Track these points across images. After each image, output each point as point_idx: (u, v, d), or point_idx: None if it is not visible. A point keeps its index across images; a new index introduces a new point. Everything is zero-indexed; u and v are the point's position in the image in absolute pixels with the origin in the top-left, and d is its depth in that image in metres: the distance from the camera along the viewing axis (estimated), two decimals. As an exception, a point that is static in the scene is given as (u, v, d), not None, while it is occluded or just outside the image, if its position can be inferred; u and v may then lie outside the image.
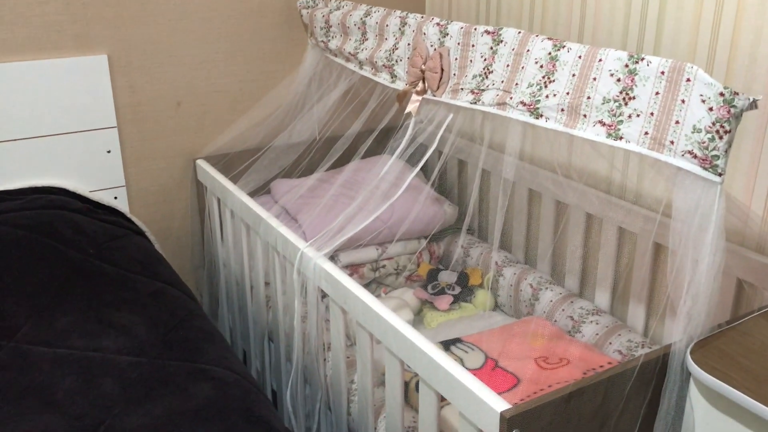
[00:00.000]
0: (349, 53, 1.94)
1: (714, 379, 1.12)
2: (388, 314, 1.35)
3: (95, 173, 2.09)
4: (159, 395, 1.33)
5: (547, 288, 2.02)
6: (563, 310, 1.95)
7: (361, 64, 1.92)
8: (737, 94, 1.08)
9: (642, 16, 1.74)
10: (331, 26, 2.04)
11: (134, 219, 2.12)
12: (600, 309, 1.93)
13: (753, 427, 1.10)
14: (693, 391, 1.19)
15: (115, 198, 2.14)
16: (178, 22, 2.10)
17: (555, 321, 1.95)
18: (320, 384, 1.72)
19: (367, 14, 1.87)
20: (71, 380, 1.37)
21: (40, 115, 1.97)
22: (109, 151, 2.09)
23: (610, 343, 1.80)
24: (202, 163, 2.19)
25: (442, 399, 1.36)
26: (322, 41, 2.09)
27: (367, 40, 1.88)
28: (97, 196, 2.08)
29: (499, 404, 1.09)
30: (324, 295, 1.63)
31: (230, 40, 2.19)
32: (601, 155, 1.90)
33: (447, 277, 2.21)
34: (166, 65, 2.12)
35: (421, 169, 2.07)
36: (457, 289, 2.15)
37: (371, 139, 1.92)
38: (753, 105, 1.09)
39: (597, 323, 1.87)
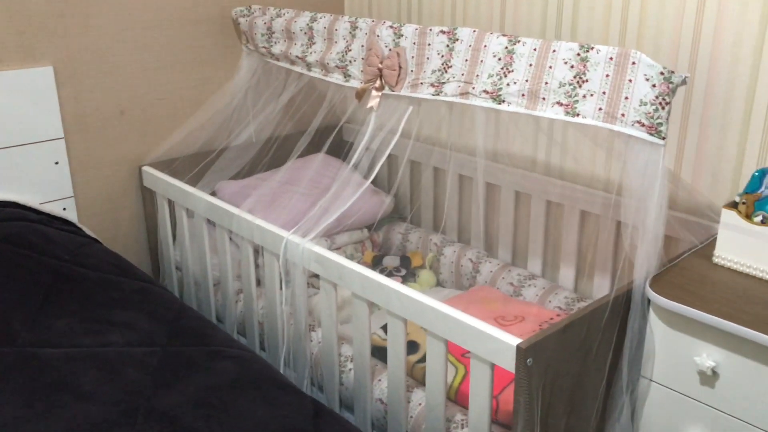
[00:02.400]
0: (296, 57, 2.08)
1: (670, 301, 1.38)
2: (387, 280, 1.52)
3: (44, 185, 2.09)
4: (186, 375, 1.42)
5: (485, 261, 2.26)
6: (503, 278, 2.20)
7: (309, 66, 2.06)
8: (673, 72, 1.35)
9: (558, 9, 2.02)
10: (273, 32, 2.17)
11: (84, 228, 2.14)
12: (534, 274, 2.20)
13: (700, 336, 1.38)
14: (652, 316, 1.45)
15: (64, 209, 2.15)
16: (121, 33, 2.15)
17: (498, 288, 2.19)
18: (306, 362, 1.85)
19: (314, 20, 2.03)
20: (93, 373, 1.42)
21: (-15, 129, 1.95)
22: (56, 163, 2.10)
23: (550, 301, 2.07)
24: (149, 170, 2.24)
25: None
26: (264, 47, 2.22)
27: (314, 44, 2.03)
28: (47, 208, 2.08)
29: (513, 340, 1.29)
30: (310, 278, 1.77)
31: (169, 49, 2.26)
32: (542, 132, 2.16)
33: (391, 261, 2.40)
34: (109, 75, 2.15)
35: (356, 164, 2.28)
36: (403, 271, 2.34)
37: (330, 140, 2.09)
38: (684, 81, 1.37)
39: (535, 286, 2.13)
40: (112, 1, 2.11)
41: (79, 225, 2.13)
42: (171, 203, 2.23)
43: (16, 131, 2.00)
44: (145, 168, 2.26)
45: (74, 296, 1.67)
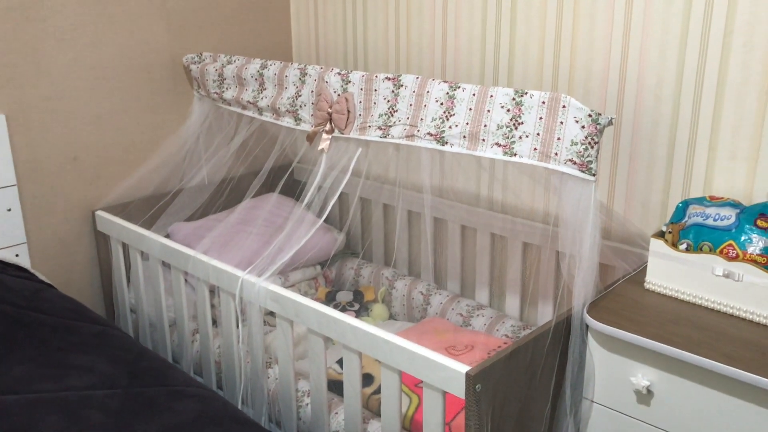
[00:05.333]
0: (248, 102, 2.16)
1: (606, 326, 1.49)
2: (342, 316, 1.59)
3: (-4, 232, 2.10)
4: (148, 416, 1.45)
5: (435, 293, 2.35)
6: (453, 309, 2.29)
7: (260, 110, 2.14)
8: (600, 114, 1.47)
9: (495, 56, 2.15)
10: (225, 78, 2.24)
11: (38, 274, 2.15)
12: (482, 304, 2.29)
13: (635, 357, 1.48)
14: (590, 340, 1.55)
15: (17, 255, 2.16)
16: (72, 81, 2.19)
17: (448, 319, 2.28)
18: (264, 399, 1.89)
19: (264, 66, 2.11)
20: (54, 419, 1.44)
21: (-63, 179, 1.97)
22: (9, 209, 2.11)
23: (497, 330, 2.16)
24: (102, 214, 2.27)
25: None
26: (216, 92, 2.29)
27: (265, 89, 2.11)
28: (0, 255, 2.09)
29: (462, 367, 1.37)
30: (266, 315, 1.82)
31: (121, 96, 2.31)
32: (484, 171, 2.27)
33: (344, 296, 2.46)
34: (61, 122, 2.19)
35: (296, 197, 2.38)
36: (356, 306, 2.41)
37: (283, 180, 2.15)
38: (610, 122, 1.49)
39: (483, 316, 2.22)
40: (64, 50, 2.16)
41: (33, 271, 2.14)
42: (125, 246, 2.25)
43: (-32, 180, 2.02)
44: (99, 212, 2.28)
45: (32, 342, 1.69)
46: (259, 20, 2.64)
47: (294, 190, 2.66)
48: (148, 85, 2.38)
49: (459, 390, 1.37)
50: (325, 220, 2.67)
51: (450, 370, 1.38)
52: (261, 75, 2.11)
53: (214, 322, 2.10)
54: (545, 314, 2.16)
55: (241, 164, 2.48)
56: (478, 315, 2.23)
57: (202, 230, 2.35)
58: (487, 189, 2.27)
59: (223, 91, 2.26)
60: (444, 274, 2.43)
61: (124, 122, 2.34)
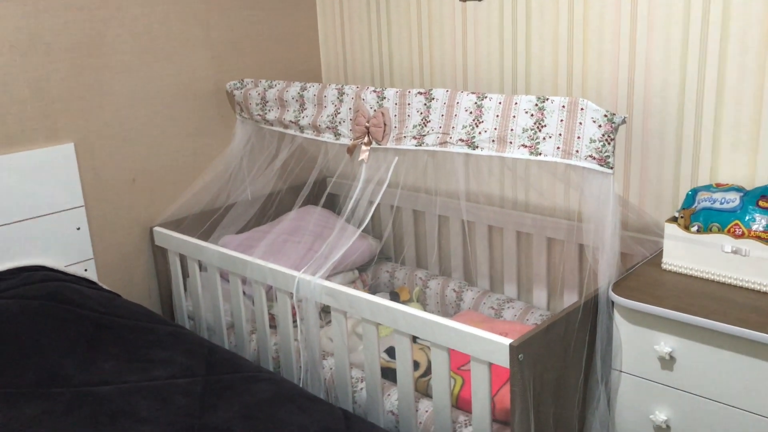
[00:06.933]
0: (290, 121, 2.37)
1: (630, 301, 1.67)
2: (393, 304, 1.79)
3: (68, 249, 2.31)
4: (230, 396, 1.65)
5: (467, 289, 2.54)
6: (484, 303, 2.47)
7: (302, 128, 2.35)
8: (614, 114, 1.67)
9: (513, 67, 2.36)
10: (267, 101, 2.46)
11: (105, 287, 2.36)
12: (511, 298, 2.48)
13: (657, 328, 1.67)
14: (616, 315, 1.74)
15: (86, 270, 2.37)
16: (129, 110, 2.42)
17: (480, 312, 2.46)
18: (321, 386, 2.08)
19: (304, 89, 2.33)
20: (147, 403, 1.64)
21: (16, 203, 2.18)
22: (78, 228, 2.33)
23: (527, 320, 2.35)
24: (160, 230, 2.48)
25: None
26: (259, 114, 2.51)
27: (306, 109, 2.33)
28: (72, 270, 2.30)
29: (505, 340, 1.56)
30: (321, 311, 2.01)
31: (172, 122, 2.54)
32: (510, 170, 2.47)
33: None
34: (122, 148, 2.41)
35: (338, 210, 2.58)
36: (394, 305, 2.60)
37: (325, 194, 2.37)
38: (624, 121, 1.69)
39: (513, 308, 2.41)
40: (123, 83, 2.39)
41: (100, 283, 2.35)
42: (182, 259, 2.46)
43: (42, 202, 2.23)
44: (156, 228, 2.50)
45: (115, 341, 1.89)
46: (290, 48, 2.87)
47: (329, 202, 2.87)
48: (196, 111, 2.60)
49: (504, 360, 1.56)
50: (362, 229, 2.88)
51: (495, 343, 1.57)
52: (301, 96, 2.32)
53: (270, 325, 2.29)
54: (571, 303, 2.34)
55: (283, 182, 2.69)
56: (508, 307, 2.41)
57: (250, 241, 2.56)
58: (512, 191, 2.47)
59: (266, 113, 2.47)
60: (474, 272, 2.62)
61: (175, 146, 2.56)
